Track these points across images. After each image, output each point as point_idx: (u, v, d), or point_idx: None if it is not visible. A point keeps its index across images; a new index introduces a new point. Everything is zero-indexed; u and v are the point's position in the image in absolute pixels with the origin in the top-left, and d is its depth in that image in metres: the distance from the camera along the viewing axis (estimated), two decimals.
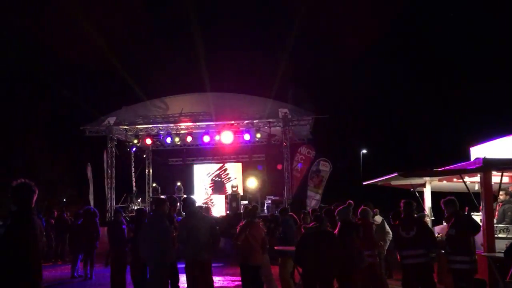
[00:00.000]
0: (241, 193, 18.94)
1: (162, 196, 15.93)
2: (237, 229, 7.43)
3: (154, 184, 21.50)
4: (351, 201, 7.23)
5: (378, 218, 9.41)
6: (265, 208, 17.45)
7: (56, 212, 15.05)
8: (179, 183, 19.52)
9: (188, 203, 7.21)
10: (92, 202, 18.23)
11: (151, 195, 20.55)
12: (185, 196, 15.47)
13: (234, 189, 18.67)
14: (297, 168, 18.28)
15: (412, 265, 6.29)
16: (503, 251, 6.13)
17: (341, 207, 7.02)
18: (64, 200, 25.40)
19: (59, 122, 28.05)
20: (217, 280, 9.44)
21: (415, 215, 7.21)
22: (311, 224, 6.49)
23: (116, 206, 17.65)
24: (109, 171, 18.22)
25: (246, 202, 17.46)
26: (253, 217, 7.46)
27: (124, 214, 10.16)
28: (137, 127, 18.23)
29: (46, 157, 25.29)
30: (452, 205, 6.51)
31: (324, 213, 7.33)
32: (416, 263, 6.24)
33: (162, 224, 6.72)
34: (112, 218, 9.82)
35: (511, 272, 6.46)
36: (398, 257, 6.68)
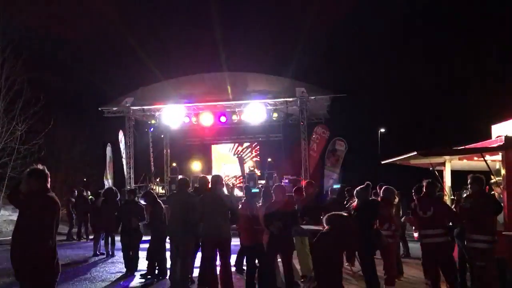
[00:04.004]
0: (259, 173, 19.00)
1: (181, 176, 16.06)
2: None
3: (174, 164, 21.71)
4: (369, 182, 7.17)
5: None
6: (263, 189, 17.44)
7: (76, 192, 15.33)
8: (195, 163, 19.66)
9: (202, 182, 7.34)
10: (111, 182, 18.52)
11: (169, 175, 20.76)
12: (200, 175, 15.61)
13: (252, 168, 18.73)
14: (313, 147, 18.20)
15: (431, 245, 6.25)
16: None
17: (360, 187, 6.98)
18: (85, 179, 25.84)
19: (78, 102, 28.41)
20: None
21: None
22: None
23: (134, 185, 17.93)
24: (128, 151, 18.44)
25: (263, 181, 17.53)
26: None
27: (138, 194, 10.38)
28: (155, 107, 18.33)
29: (66, 137, 25.66)
30: (479, 182, 6.38)
31: None
32: (435, 242, 6.20)
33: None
34: (126, 198, 10.03)
35: None
36: (415, 236, 6.66)
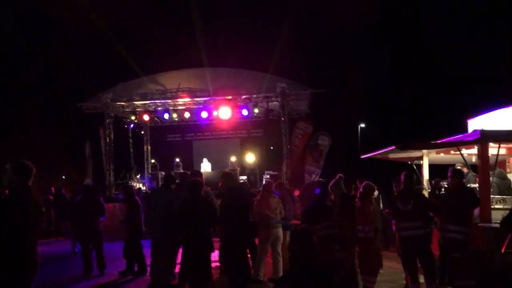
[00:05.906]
0: (239, 169, 18.97)
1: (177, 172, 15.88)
2: None
3: (153, 161, 21.53)
4: (341, 175, 7.18)
5: (375, 192, 9.43)
6: (263, 183, 17.50)
7: (53, 189, 15.09)
8: (177, 160, 19.54)
9: (183, 178, 7.33)
10: (91, 179, 18.27)
11: (150, 171, 20.61)
12: (181, 171, 15.48)
13: (233, 164, 18.69)
14: (295, 142, 18.21)
15: (409, 237, 6.31)
16: (499, 221, 6.16)
17: (333, 181, 7.00)
18: (64, 177, 25.50)
19: (56, 99, 27.96)
20: None
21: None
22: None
23: (114, 181, 17.76)
24: (107, 148, 18.19)
25: (244, 177, 17.52)
26: None
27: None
28: (135, 104, 18.12)
29: (45, 134, 25.28)
30: (459, 176, 6.45)
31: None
32: (414, 235, 6.26)
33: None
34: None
35: (506, 243, 6.50)
36: (394, 229, 6.72)
